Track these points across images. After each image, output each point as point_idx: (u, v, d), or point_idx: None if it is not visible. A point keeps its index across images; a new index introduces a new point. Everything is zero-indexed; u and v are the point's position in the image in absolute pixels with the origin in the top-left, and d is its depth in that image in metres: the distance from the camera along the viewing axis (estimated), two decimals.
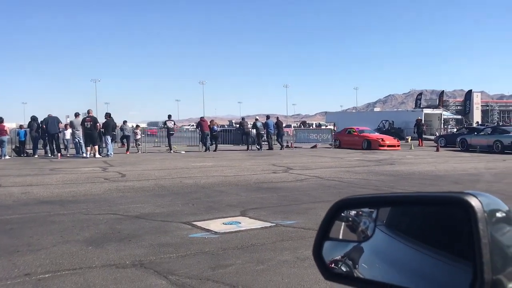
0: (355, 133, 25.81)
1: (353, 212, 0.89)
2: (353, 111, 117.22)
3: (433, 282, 0.70)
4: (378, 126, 37.80)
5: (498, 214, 0.69)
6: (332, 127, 35.60)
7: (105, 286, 3.76)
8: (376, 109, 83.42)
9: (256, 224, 6.25)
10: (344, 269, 0.84)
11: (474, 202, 0.66)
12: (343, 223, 0.88)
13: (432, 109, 45.18)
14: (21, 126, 21.85)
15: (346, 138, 26.11)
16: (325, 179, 11.30)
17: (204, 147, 23.20)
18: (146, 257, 4.61)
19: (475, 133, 25.40)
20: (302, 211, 7.13)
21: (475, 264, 0.63)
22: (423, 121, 33.78)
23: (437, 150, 23.80)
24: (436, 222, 0.78)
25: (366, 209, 0.88)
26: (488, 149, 22.49)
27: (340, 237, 0.87)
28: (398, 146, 24.75)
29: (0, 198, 8.30)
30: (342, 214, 0.88)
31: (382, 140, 24.76)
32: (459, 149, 24.36)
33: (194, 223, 6.25)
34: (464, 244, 0.69)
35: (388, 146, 24.25)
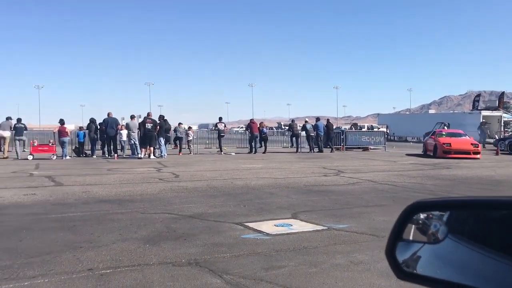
0: (432, 137, 22.27)
1: (423, 215, 0.90)
2: (407, 113, 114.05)
3: (504, 285, 0.71)
4: (433, 129, 36.71)
5: None
6: (384, 129, 34.92)
7: (162, 283, 3.89)
8: (431, 111, 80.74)
9: (308, 226, 6.25)
10: (416, 269, 0.85)
11: None
12: (413, 226, 0.89)
13: (491, 111, 43.23)
14: (80, 128, 22.89)
15: (428, 142, 22.51)
16: (378, 183, 11.10)
17: (253, 149, 23.38)
18: (201, 256, 4.73)
19: None
20: (354, 215, 7.05)
21: None
22: (486, 124, 32.70)
23: (497, 154, 22.82)
24: (506, 227, 0.78)
25: (436, 213, 0.89)
26: None
27: (411, 238, 0.88)
28: (476, 153, 19.69)
29: (63, 197, 8.75)
30: (414, 217, 0.89)
31: (449, 145, 20.16)
32: (508, 152, 23.53)
33: (246, 224, 6.33)
34: None
35: (456, 153, 19.70)
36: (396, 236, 0.87)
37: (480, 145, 19.23)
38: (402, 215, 0.88)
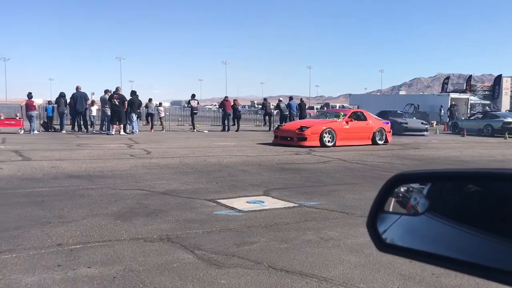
0: None
1: (403, 189, 0.91)
2: (378, 93, 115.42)
3: (483, 257, 0.72)
4: (403, 109, 37.40)
5: None
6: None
7: (133, 258, 3.87)
8: (402, 93, 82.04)
9: (279, 204, 6.31)
10: (396, 241, 0.86)
11: None
12: (393, 199, 0.90)
13: (459, 94, 44.25)
14: (49, 102, 22.32)
15: None
16: (349, 162, 11.26)
17: (226, 127, 23.31)
18: (172, 232, 4.71)
19: (468, 118, 28.31)
20: (325, 193, 7.15)
21: None
22: (455, 106, 33.86)
23: (463, 135, 23.46)
24: (485, 201, 0.80)
25: (416, 186, 0.90)
26: (478, 133, 24.05)
27: (391, 210, 0.89)
28: (301, 140, 14.98)
29: (31, 172, 8.55)
30: (395, 189, 0.90)
31: (278, 128, 16.62)
32: (450, 132, 25.82)
33: (218, 200, 6.34)
34: None
35: (282, 138, 15.67)
36: (378, 208, 0.88)
37: (310, 130, 15.05)
38: (384, 187, 0.89)
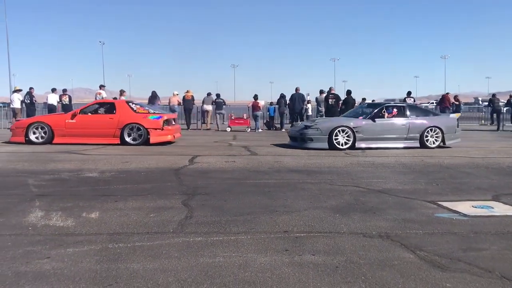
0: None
1: None
2: None
3: None
4: None
5: None
6: None
7: (354, 251, 3.97)
8: None
9: None
10: None
11: None
12: None
13: None
14: (271, 103, 24.38)
15: None
16: None
17: None
18: (391, 230, 4.66)
19: None
20: None
21: None
22: None
23: None
24: None
25: None
26: None
27: None
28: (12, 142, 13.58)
29: (258, 165, 9.50)
30: None
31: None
32: None
33: (439, 203, 5.99)
34: None
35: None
36: None
37: (15, 124, 14.43)
38: None
